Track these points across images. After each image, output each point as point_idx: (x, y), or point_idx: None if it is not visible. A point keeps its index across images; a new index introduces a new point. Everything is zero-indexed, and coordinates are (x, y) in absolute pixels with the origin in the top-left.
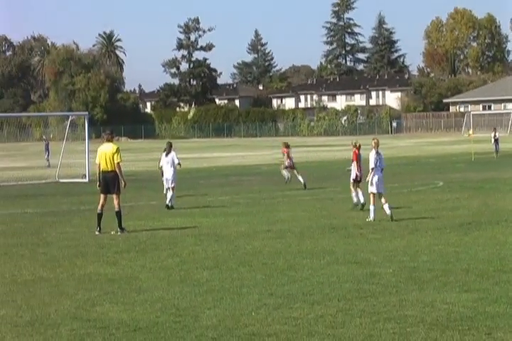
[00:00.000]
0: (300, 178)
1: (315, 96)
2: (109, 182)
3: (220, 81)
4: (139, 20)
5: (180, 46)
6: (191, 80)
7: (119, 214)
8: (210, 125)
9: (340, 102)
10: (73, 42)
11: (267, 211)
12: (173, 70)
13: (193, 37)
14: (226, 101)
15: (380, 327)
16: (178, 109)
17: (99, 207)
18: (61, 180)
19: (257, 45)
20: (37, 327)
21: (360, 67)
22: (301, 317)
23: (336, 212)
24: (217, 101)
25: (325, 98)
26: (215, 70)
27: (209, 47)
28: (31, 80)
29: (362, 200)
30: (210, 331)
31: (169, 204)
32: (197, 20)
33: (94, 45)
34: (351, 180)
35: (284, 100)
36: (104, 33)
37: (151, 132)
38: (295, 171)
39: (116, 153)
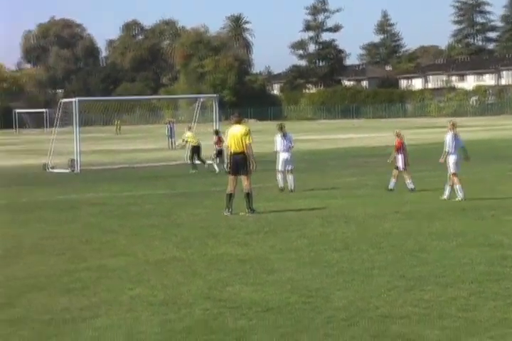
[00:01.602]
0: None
1: (444, 77)
2: (240, 163)
3: (347, 62)
4: (267, 2)
5: (307, 27)
6: (319, 61)
7: (249, 195)
8: (338, 106)
9: (470, 82)
10: (202, 26)
11: (395, 192)
12: (301, 52)
13: (320, 18)
14: (353, 83)
15: None
16: (305, 90)
17: (231, 188)
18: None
19: (384, 26)
20: (171, 307)
21: (491, 46)
22: (433, 299)
23: (466, 193)
24: (344, 82)
25: (454, 78)
26: (343, 51)
27: (336, 28)
28: (162, 63)
29: (412, 186)
30: (340, 312)
31: (290, 189)
32: (324, 1)
33: (222, 28)
34: (397, 168)
35: (412, 81)
36: (233, 15)
37: (278, 114)
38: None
39: (246, 135)
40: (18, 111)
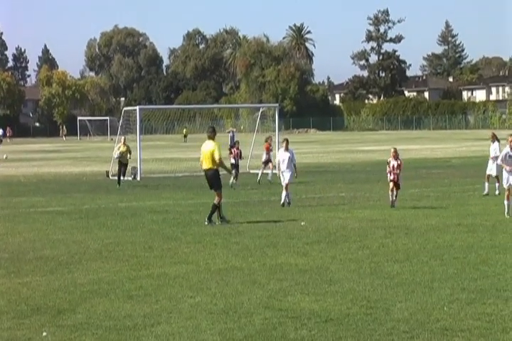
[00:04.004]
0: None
1: (507, 88)
2: (210, 179)
3: (409, 73)
4: (329, 12)
5: (369, 38)
6: (380, 72)
7: (215, 206)
8: (399, 117)
9: None
10: (264, 35)
11: (457, 204)
12: (363, 62)
13: (382, 29)
14: (415, 94)
15: None
16: (366, 101)
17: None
18: (251, 171)
19: (447, 37)
20: (231, 315)
21: None
22: (495, 313)
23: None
24: (406, 93)
25: None
26: (405, 62)
27: (398, 39)
28: (223, 72)
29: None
30: (401, 324)
31: (284, 202)
32: (386, 12)
33: (284, 38)
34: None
35: (474, 92)
36: (295, 25)
37: (339, 124)
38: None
39: (215, 151)
40: (80, 118)
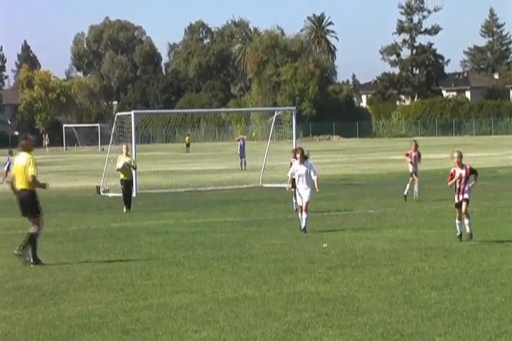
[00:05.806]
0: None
1: None
2: (24, 202)
3: (447, 69)
4: (353, 0)
5: (401, 29)
6: (414, 69)
7: (30, 237)
8: (436, 121)
9: None
10: (277, 28)
11: (505, 221)
12: (393, 57)
13: (416, 18)
14: (455, 93)
15: None
16: (398, 102)
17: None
18: (265, 185)
19: (492, 27)
20: None
21: None
22: None
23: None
24: (444, 93)
25: None
26: (442, 57)
27: (435, 31)
28: (231, 71)
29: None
30: None
31: (302, 227)
32: None
33: (301, 30)
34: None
35: None
36: (314, 15)
37: (366, 129)
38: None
39: (29, 166)
40: (66, 125)
